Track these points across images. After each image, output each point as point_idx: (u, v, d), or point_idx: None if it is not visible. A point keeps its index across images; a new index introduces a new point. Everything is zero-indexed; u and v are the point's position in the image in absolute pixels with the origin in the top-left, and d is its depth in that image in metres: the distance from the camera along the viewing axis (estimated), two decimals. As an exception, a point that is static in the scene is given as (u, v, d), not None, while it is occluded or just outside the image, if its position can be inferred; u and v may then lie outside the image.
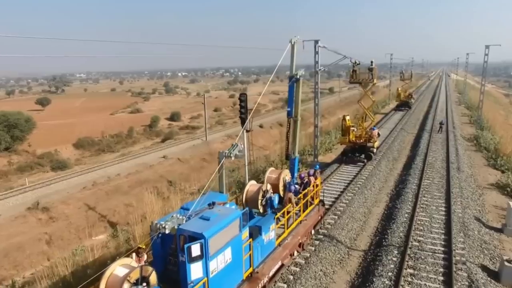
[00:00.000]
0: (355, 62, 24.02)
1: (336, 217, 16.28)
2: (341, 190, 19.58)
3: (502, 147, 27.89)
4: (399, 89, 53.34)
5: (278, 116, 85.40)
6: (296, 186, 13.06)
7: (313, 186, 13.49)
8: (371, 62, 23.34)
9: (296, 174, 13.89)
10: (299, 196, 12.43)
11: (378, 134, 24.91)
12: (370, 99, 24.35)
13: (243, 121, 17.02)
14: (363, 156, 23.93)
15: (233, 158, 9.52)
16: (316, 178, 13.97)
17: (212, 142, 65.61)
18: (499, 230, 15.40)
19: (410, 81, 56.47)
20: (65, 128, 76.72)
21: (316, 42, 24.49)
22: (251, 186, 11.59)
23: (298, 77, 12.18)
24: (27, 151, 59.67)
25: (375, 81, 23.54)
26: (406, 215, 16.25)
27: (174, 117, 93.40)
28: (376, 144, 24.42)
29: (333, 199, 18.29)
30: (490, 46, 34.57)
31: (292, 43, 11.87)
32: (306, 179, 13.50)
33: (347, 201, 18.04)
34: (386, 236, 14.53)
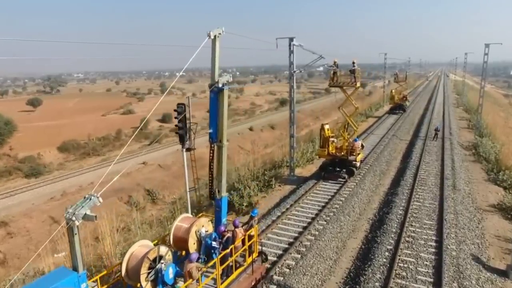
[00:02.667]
0: (334, 64, 20.80)
1: (299, 256, 13.05)
2: (312, 216, 16.34)
3: (504, 158, 24.71)
4: (393, 91, 50.09)
5: (270, 118, 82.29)
6: (215, 244, 9.22)
7: (244, 240, 9.74)
8: (353, 63, 20.15)
9: (224, 220, 10.46)
10: (214, 260, 8.68)
11: (362, 146, 21.66)
12: (353, 105, 21.12)
13: (181, 138, 13.83)
14: (344, 171, 20.68)
15: (78, 222, 6.32)
16: (249, 229, 10.36)
17: (197, 147, 62.28)
18: (503, 274, 12.17)
19: (405, 82, 53.23)
20: (53, 130, 73.76)
21: (291, 40, 21.29)
22: (139, 249, 8.11)
23: (220, 86, 8.80)
24: (9, 155, 56.97)
25: (358, 84, 20.29)
26: (387, 253, 13.02)
27: (165, 118, 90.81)
28: (360, 158, 21.16)
29: (300, 230, 15.05)
30: (490, 45, 31.37)
31: (212, 37, 8.51)
32: (228, 234, 9.65)
33: (317, 232, 14.80)
34: (358, 285, 11.33)
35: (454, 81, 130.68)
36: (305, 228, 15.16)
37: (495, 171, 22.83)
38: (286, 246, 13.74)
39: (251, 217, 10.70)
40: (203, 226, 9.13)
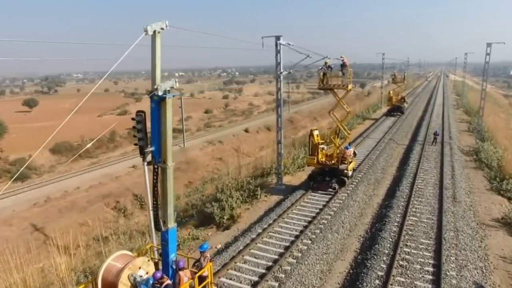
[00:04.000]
0: (325, 65, 19.16)
1: (277, 284, 11.40)
2: (296, 234, 14.68)
3: (507, 164, 23.10)
4: (391, 92, 48.36)
5: (267, 119, 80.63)
6: None
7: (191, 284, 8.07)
8: (342, 59, 18.48)
9: (172, 256, 8.63)
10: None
11: (354, 154, 20.00)
12: (344, 109, 19.46)
13: (141, 151, 12.12)
14: (334, 181, 19.00)
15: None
16: (200, 269, 8.60)
17: (190, 149, 60.68)
18: (511, 306, 10.57)
19: (403, 83, 51.56)
20: (47, 131, 72.34)
21: (277, 38, 19.66)
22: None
23: (161, 93, 7.05)
24: (-1, 157, 55.61)
25: (350, 87, 18.64)
26: (377, 281, 11.38)
27: None
28: (352, 166, 19.49)
29: (281, 251, 13.40)
30: (492, 44, 29.73)
31: (150, 33, 6.80)
32: (167, 282, 7.66)
33: (300, 254, 13.15)
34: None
35: (453, 81, 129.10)
36: (287, 248, 13.50)
37: (498, 180, 21.19)
38: (263, 271, 12.08)
39: (201, 253, 8.91)
40: (140, 267, 7.43)
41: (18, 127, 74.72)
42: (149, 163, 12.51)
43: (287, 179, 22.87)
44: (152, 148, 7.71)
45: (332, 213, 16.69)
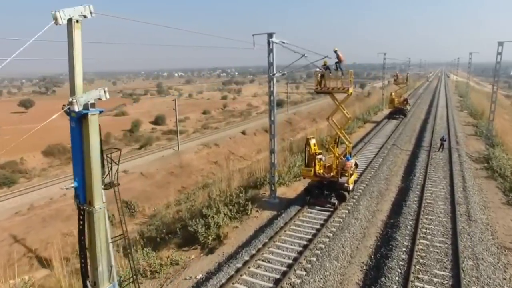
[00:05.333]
0: (324, 65, 17.13)
1: (263, 334, 9.34)
2: (289, 263, 12.58)
3: (523, 174, 21.11)
4: (393, 94, 46.18)
5: (265, 121, 78.61)
6: None
7: None
8: (335, 52, 16.48)
9: None
10: None
11: (356, 165, 17.90)
12: (344, 115, 17.39)
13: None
14: (333, 195, 16.93)
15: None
16: None
17: (185, 152, 58.64)
18: None
19: (406, 85, 49.44)
20: (41, 132, 70.59)
21: (270, 36, 17.60)
22: None
23: (80, 109, 4.98)
24: (-11, 160, 53.80)
25: (350, 90, 16.57)
26: (386, 330, 9.32)
27: (158, 120, 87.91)
28: (353, 179, 17.38)
29: (270, 286, 11.31)
30: (504, 43, 27.64)
31: (62, 22, 4.49)
32: None
33: (293, 290, 11.07)
34: None
35: (455, 81, 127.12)
36: (277, 282, 11.41)
37: (515, 191, 19.17)
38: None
39: None
40: None
41: (13, 129, 72.89)
42: (107, 187, 10.42)
43: (281, 191, 20.81)
44: (75, 184, 5.64)
45: (331, 234, 14.61)
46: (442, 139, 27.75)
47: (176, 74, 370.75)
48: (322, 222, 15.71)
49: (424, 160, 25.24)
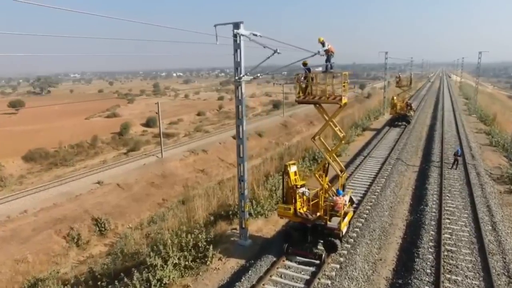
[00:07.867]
0: (303, 66, 12.63)
1: None
2: None
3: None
4: (395, 98, 41.35)
5: (259, 124, 74.04)
6: None
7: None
8: (322, 42, 12.04)
9: None
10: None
11: (351, 201, 13.38)
12: (336, 132, 12.87)
13: None
14: (320, 244, 12.40)
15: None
16: None
17: (169, 160, 53.89)
18: None
19: (409, 87, 44.75)
20: (28, 135, 66.34)
21: (236, 26, 13.08)
22: None
23: None
24: (-35, 166, 49.60)
25: (344, 100, 12.06)
26: None
27: (149, 122, 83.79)
28: (346, 221, 12.79)
29: None
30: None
31: None
32: None
33: None
34: None
35: (458, 82, 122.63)
36: None
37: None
38: None
39: None
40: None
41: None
42: None
43: (257, 226, 16.28)
44: None
45: (314, 310, 10.08)
46: (457, 154, 23.20)
47: (174, 74, 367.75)
48: (303, 285, 11.16)
49: (436, 181, 20.69)
